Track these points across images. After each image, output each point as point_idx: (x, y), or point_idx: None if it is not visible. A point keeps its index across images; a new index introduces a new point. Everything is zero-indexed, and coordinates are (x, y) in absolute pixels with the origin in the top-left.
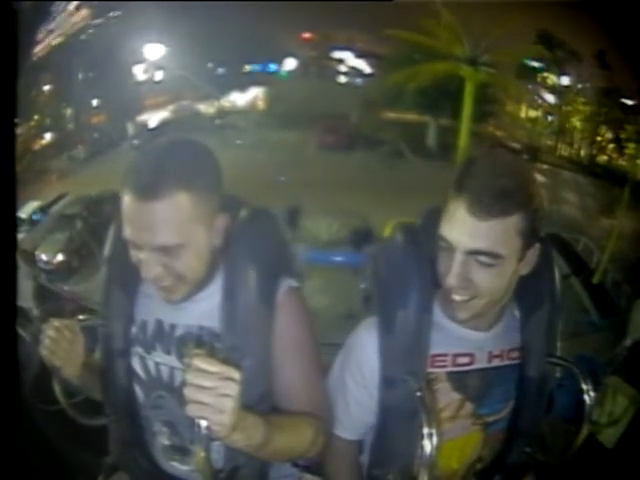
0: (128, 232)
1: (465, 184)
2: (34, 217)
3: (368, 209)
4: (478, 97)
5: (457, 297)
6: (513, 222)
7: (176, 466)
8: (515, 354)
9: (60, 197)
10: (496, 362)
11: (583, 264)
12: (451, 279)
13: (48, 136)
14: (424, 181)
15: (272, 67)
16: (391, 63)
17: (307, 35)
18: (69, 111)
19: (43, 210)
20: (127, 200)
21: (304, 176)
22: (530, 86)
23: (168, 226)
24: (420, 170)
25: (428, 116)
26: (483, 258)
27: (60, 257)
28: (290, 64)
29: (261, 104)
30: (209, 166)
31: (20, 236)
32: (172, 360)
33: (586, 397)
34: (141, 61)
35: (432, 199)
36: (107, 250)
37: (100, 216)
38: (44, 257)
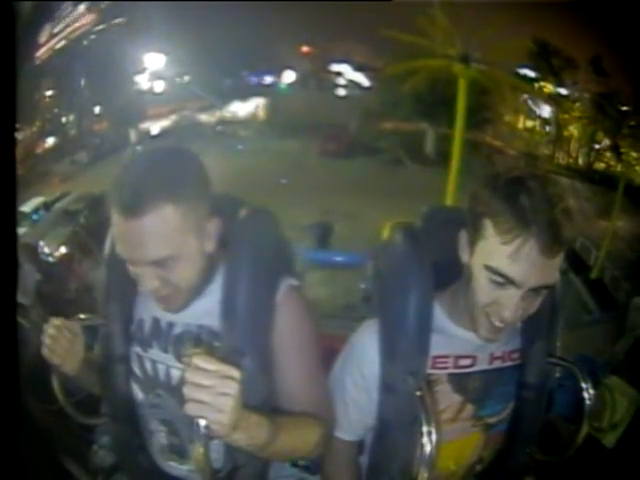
0: (120, 249)
1: (531, 220)
2: (36, 214)
3: (368, 212)
4: (474, 104)
5: (500, 324)
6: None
7: (174, 466)
8: (516, 355)
9: (63, 195)
10: (497, 364)
11: (581, 262)
12: (508, 315)
13: (50, 140)
14: (422, 187)
15: (272, 80)
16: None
17: (306, 49)
18: (71, 116)
19: (47, 207)
20: (114, 218)
21: (305, 182)
22: (526, 96)
23: (157, 240)
24: (419, 176)
25: (426, 124)
26: (543, 290)
27: (63, 250)
28: (289, 77)
29: (262, 114)
30: (194, 173)
31: (22, 230)
32: (169, 358)
33: (586, 396)
34: (143, 70)
35: (430, 203)
36: (106, 249)
37: (101, 216)
38: (47, 250)
